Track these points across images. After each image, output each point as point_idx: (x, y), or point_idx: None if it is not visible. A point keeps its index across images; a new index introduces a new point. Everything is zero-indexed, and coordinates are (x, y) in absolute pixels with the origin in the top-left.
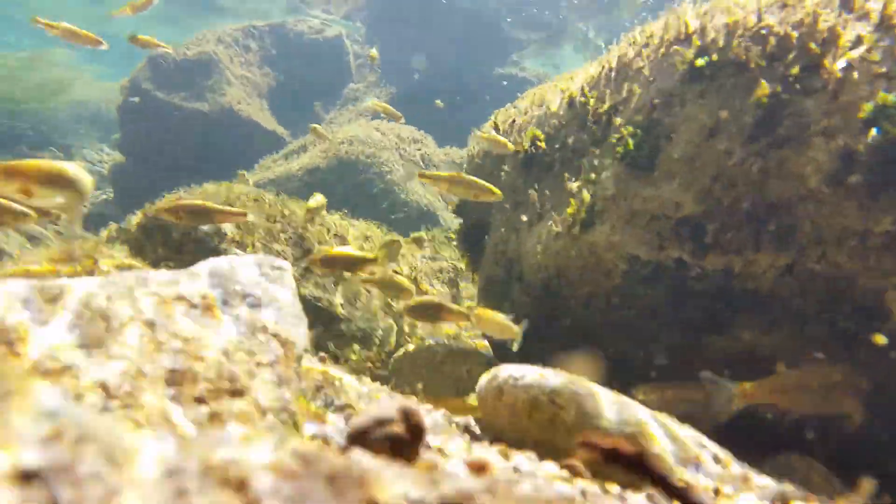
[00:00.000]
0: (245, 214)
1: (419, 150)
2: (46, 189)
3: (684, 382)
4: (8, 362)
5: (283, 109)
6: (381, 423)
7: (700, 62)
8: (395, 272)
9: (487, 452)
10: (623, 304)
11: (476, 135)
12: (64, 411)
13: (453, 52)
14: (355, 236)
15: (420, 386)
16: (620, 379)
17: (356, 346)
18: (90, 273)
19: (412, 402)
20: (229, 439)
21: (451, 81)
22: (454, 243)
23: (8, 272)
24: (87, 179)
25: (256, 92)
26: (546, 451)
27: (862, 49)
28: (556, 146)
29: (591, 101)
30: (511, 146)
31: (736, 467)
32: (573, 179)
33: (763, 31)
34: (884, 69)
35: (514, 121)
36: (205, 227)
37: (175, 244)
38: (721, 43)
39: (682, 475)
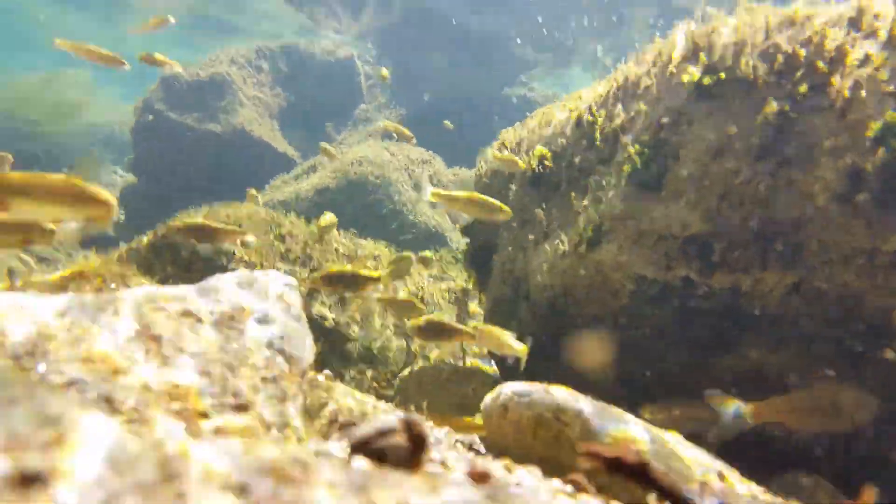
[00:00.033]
0: (245, 233)
1: (428, 170)
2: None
3: (692, 401)
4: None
5: (294, 130)
6: (383, 433)
7: (707, 80)
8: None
9: (491, 465)
10: (630, 324)
11: (485, 154)
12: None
13: (463, 73)
14: (364, 256)
15: (424, 404)
16: (628, 399)
17: (362, 366)
18: (99, 291)
19: (415, 415)
20: (228, 444)
21: (461, 102)
22: (462, 263)
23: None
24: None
25: (268, 112)
26: (551, 468)
27: (870, 67)
28: (564, 165)
29: (599, 120)
30: (523, 164)
31: (741, 487)
32: (580, 198)
33: (771, 50)
34: (892, 87)
35: (521, 140)
36: (206, 247)
37: (184, 263)
38: (729, 61)
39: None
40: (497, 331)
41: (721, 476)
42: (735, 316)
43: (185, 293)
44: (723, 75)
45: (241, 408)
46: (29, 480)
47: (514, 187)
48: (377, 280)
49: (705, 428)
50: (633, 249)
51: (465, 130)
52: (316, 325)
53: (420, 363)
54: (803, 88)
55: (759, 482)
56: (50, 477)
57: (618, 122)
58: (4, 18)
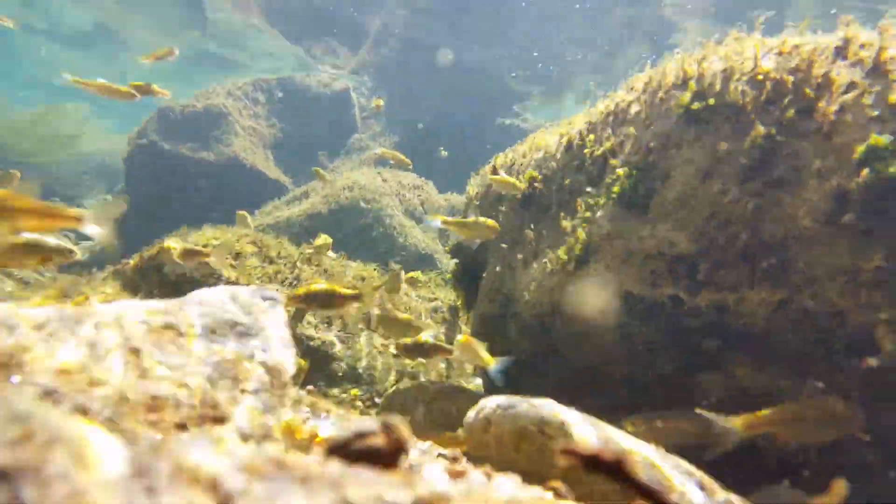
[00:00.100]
0: (209, 255)
1: (419, 195)
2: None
3: (674, 413)
4: None
5: (288, 160)
6: (362, 435)
7: (697, 106)
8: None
9: (470, 469)
10: (618, 341)
11: (478, 177)
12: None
13: (457, 105)
14: (351, 276)
15: (408, 419)
16: (613, 414)
17: (346, 385)
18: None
19: (395, 418)
20: (203, 444)
21: (454, 132)
22: (450, 285)
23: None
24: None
25: (262, 143)
26: (535, 481)
27: (855, 93)
28: (554, 188)
29: (589, 144)
30: (522, 185)
31: (722, 495)
32: (570, 219)
33: (759, 76)
34: (876, 112)
35: (513, 163)
36: (183, 267)
37: (171, 284)
38: (718, 87)
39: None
40: (473, 342)
41: (702, 486)
42: (722, 333)
43: (166, 307)
44: (712, 101)
45: (220, 420)
46: None
47: (503, 209)
48: (357, 297)
49: (688, 440)
50: (620, 268)
51: (458, 158)
52: (303, 346)
53: (406, 382)
54: (791, 113)
55: (741, 493)
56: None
57: (607, 145)
58: (6, 53)
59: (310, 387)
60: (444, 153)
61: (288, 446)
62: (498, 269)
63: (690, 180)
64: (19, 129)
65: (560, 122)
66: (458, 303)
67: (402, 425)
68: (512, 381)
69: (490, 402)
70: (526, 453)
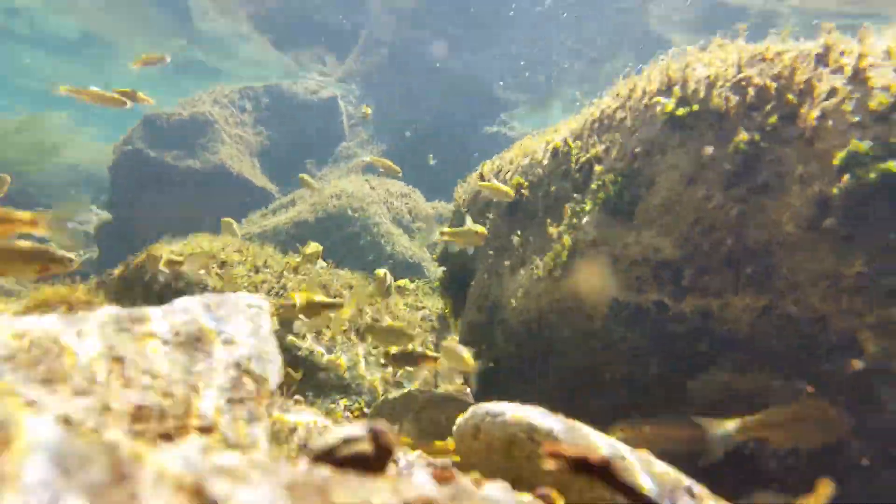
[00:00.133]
0: (182, 263)
1: (407, 203)
2: None
3: (662, 419)
4: None
5: (275, 168)
6: (349, 441)
7: (681, 112)
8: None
9: (458, 475)
10: (604, 347)
11: (465, 184)
12: None
13: (444, 112)
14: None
15: (397, 427)
16: (602, 419)
17: (335, 395)
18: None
19: (382, 423)
20: (185, 448)
21: (442, 139)
22: (438, 293)
23: None
24: None
25: (249, 151)
26: (524, 488)
27: (836, 99)
28: (541, 194)
29: (574, 151)
30: (512, 192)
31: (711, 502)
32: (556, 225)
33: (743, 83)
34: (856, 118)
35: (500, 171)
36: (165, 273)
37: (156, 295)
38: (702, 94)
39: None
40: (455, 346)
41: (690, 493)
42: (707, 339)
43: (150, 315)
44: (696, 107)
45: (205, 430)
46: None
47: (490, 216)
48: (339, 306)
49: (677, 446)
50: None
51: (446, 166)
52: (290, 355)
53: (394, 392)
54: (773, 119)
55: (730, 499)
56: None
57: (593, 152)
58: None
59: (297, 397)
60: (432, 160)
61: (274, 454)
62: (485, 276)
63: (675, 186)
64: (4, 138)
65: (546, 129)
66: (446, 311)
67: (389, 431)
68: (499, 388)
69: (479, 409)
70: (516, 460)
